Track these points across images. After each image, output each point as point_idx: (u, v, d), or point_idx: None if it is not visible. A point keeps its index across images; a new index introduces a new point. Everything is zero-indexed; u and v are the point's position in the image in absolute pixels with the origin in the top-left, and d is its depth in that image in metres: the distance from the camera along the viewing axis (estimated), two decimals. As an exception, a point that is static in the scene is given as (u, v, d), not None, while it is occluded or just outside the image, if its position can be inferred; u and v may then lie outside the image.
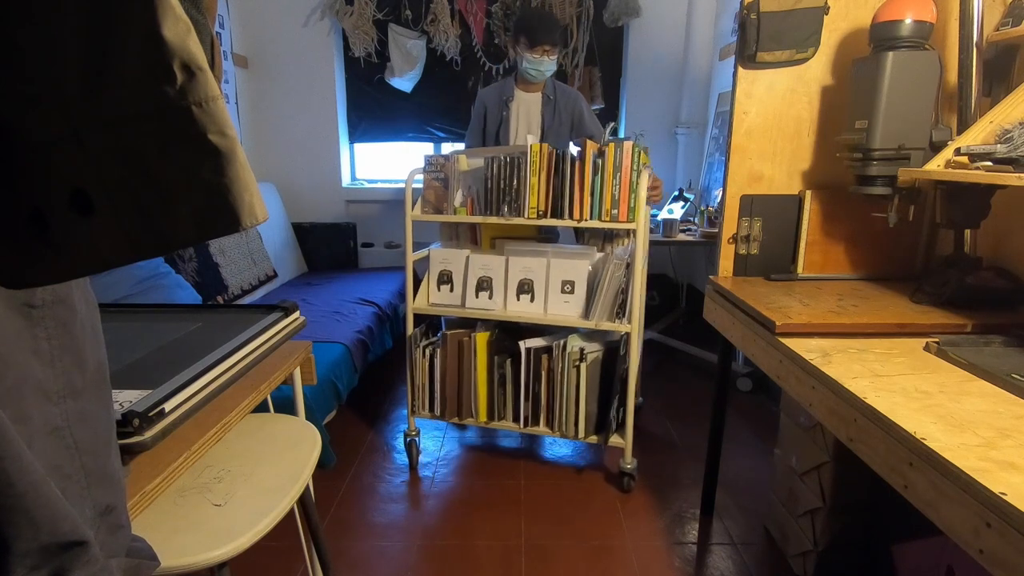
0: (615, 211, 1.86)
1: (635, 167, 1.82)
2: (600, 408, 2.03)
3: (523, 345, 2.00)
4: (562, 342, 1.98)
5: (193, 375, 0.91)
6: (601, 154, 1.83)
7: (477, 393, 2.10)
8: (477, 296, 2.04)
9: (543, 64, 2.34)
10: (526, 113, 2.50)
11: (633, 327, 1.90)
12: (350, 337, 2.48)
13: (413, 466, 2.22)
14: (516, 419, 2.10)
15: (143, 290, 2.04)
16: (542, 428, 2.08)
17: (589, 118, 2.54)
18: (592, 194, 1.86)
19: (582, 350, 1.97)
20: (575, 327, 2.02)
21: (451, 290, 2.08)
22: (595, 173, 1.84)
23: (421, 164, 2.06)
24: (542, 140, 2.47)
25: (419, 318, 2.12)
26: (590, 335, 2.05)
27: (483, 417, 2.12)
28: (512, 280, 2.02)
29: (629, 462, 2.03)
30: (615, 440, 2.03)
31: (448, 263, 2.08)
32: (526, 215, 1.92)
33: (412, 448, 2.24)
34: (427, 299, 2.12)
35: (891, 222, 1.43)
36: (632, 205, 1.84)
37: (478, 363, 2.07)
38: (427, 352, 2.11)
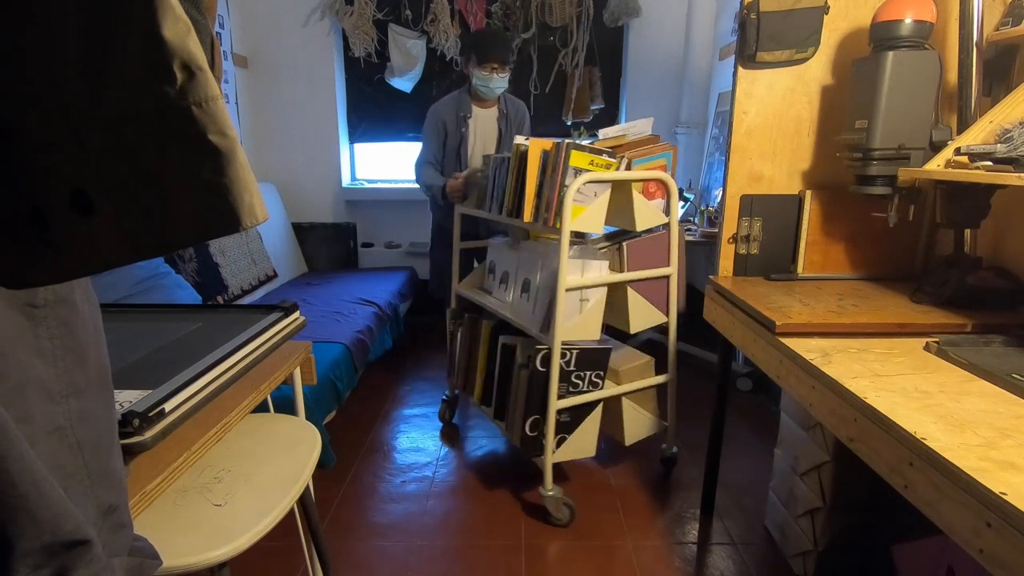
0: (547, 215, 1.72)
1: (563, 166, 1.67)
2: (522, 420, 1.89)
3: (501, 340, 2.04)
4: (517, 344, 1.97)
5: (193, 375, 0.91)
6: (547, 153, 1.74)
7: (476, 375, 2.22)
8: (499, 287, 2.17)
9: (492, 81, 2.36)
10: (483, 129, 2.51)
11: (553, 343, 1.74)
12: (350, 337, 2.48)
13: (444, 421, 2.54)
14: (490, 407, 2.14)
15: (143, 290, 2.04)
16: (502, 423, 2.06)
17: (527, 128, 2.61)
18: (538, 195, 1.76)
19: (529, 357, 1.87)
20: (533, 333, 1.89)
21: (493, 279, 2.25)
22: (543, 172, 1.74)
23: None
24: (497, 152, 2.49)
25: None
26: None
27: (477, 398, 2.24)
28: (519, 277, 2.07)
29: (549, 489, 1.83)
30: (537, 460, 1.87)
31: (496, 254, 2.27)
32: (503, 214, 1.94)
33: (446, 408, 2.52)
34: (480, 282, 2.34)
35: (891, 222, 1.43)
36: (557, 210, 1.67)
37: (481, 349, 2.18)
38: (456, 327, 2.33)
